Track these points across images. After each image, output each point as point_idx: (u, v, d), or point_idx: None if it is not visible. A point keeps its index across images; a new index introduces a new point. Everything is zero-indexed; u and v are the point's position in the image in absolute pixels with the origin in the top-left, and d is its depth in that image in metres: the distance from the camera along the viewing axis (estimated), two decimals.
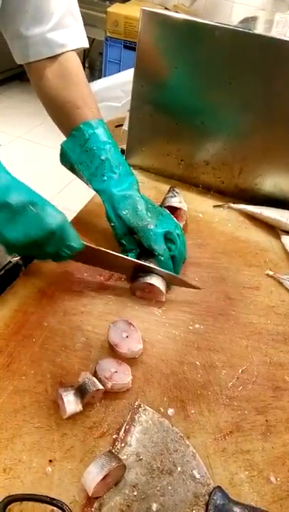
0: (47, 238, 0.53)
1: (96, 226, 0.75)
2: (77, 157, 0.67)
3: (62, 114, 0.68)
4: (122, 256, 0.63)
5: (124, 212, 0.65)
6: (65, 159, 0.70)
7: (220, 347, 0.59)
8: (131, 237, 0.66)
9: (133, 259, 0.64)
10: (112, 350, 0.55)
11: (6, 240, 0.51)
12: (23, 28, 0.64)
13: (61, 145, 0.69)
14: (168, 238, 0.66)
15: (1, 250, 0.74)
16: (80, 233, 0.73)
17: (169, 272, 0.64)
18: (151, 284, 0.62)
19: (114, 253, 0.62)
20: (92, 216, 0.77)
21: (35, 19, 0.64)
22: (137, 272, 0.63)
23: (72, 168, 0.70)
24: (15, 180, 0.51)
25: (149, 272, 0.63)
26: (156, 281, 0.62)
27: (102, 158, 0.66)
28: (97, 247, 0.61)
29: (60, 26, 0.65)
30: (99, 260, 0.63)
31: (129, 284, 0.65)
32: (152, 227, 0.64)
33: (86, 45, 0.70)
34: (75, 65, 0.69)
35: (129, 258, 0.64)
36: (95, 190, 0.68)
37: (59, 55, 0.67)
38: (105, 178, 0.66)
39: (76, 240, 0.58)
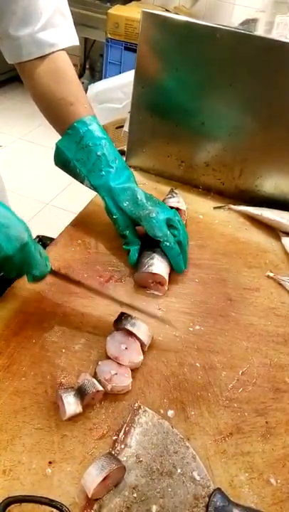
0: (5, 263, 0.48)
1: (96, 227, 0.75)
2: (73, 155, 0.68)
3: (56, 111, 0.69)
4: (86, 284, 0.60)
5: (125, 204, 0.66)
6: (60, 158, 0.70)
7: (220, 348, 0.59)
8: (133, 229, 0.67)
9: (93, 288, 0.60)
10: None
11: None
12: (11, 28, 0.64)
13: (56, 144, 0.69)
14: (170, 225, 0.67)
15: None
16: (81, 234, 0.74)
17: None
18: (154, 274, 0.63)
19: (79, 280, 0.60)
20: (93, 217, 0.77)
21: (24, 20, 0.64)
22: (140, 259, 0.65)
23: (66, 167, 0.70)
24: None
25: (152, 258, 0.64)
26: (158, 268, 0.63)
27: (99, 153, 0.67)
28: (62, 272, 0.58)
29: (49, 26, 0.65)
30: (68, 280, 0.60)
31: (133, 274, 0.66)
32: (154, 215, 0.65)
33: (76, 43, 0.70)
34: (65, 63, 0.69)
35: (90, 287, 0.60)
36: (93, 186, 0.68)
37: (49, 54, 0.67)
38: (103, 172, 0.67)
39: (40, 267, 0.52)
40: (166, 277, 0.64)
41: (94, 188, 0.69)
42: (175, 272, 0.68)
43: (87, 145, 0.67)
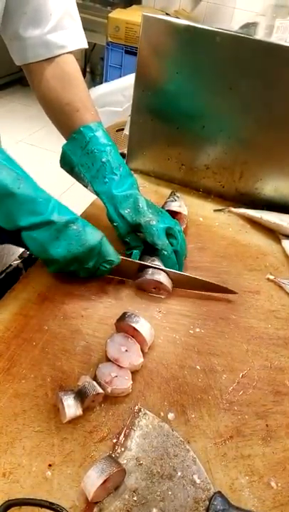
0: (87, 254, 0.58)
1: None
2: (78, 159, 0.68)
3: (62, 116, 0.69)
4: (154, 265, 0.65)
5: (126, 211, 0.66)
6: (66, 162, 0.70)
7: (220, 351, 0.59)
8: (134, 235, 0.68)
9: (161, 267, 0.65)
10: None
11: (50, 255, 0.56)
12: (21, 29, 0.65)
13: (62, 147, 0.70)
14: (169, 234, 0.67)
15: (1, 252, 0.75)
16: None
17: (205, 279, 0.66)
18: (157, 281, 0.63)
19: (147, 264, 0.65)
20: (93, 220, 0.76)
21: (34, 21, 0.64)
22: (142, 268, 0.65)
23: (72, 171, 0.71)
24: (57, 201, 0.55)
25: (155, 267, 0.65)
26: (159, 277, 0.64)
27: (103, 160, 0.67)
28: (132, 260, 0.65)
29: (59, 28, 0.66)
30: (130, 272, 0.65)
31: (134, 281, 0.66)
32: (154, 223, 0.66)
33: (85, 45, 0.70)
34: (73, 67, 0.69)
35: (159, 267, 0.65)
36: (96, 191, 0.69)
37: (57, 56, 0.67)
38: (107, 179, 0.67)
39: (114, 255, 0.61)
40: (170, 284, 0.64)
41: (97, 193, 0.69)
42: None
43: (92, 151, 0.67)
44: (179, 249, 0.68)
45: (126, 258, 0.64)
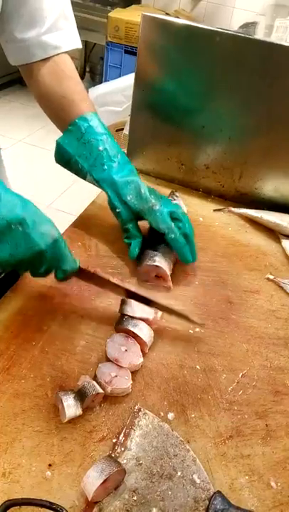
0: (36, 258, 0.50)
1: (96, 229, 0.75)
2: (75, 151, 0.68)
3: (59, 110, 0.69)
4: (116, 282, 0.60)
5: (128, 197, 0.66)
6: (62, 155, 0.70)
7: (220, 351, 0.59)
8: (136, 223, 0.68)
9: (124, 286, 0.60)
10: None
11: None
12: (17, 31, 0.65)
13: (57, 141, 0.69)
14: (174, 218, 0.67)
15: None
16: (81, 236, 0.74)
17: (174, 308, 0.60)
18: (157, 266, 0.64)
19: (108, 277, 0.59)
20: (93, 219, 0.77)
21: (30, 23, 0.65)
22: (143, 257, 0.65)
23: (68, 164, 0.70)
24: (4, 193, 0.47)
25: (154, 255, 0.65)
26: (161, 262, 0.65)
27: (100, 148, 0.67)
28: (91, 270, 0.58)
29: (54, 29, 0.66)
30: (93, 280, 0.60)
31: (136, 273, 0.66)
32: (158, 207, 0.65)
33: (79, 46, 0.71)
34: (68, 65, 0.70)
35: (121, 284, 0.60)
36: (96, 179, 0.68)
37: (53, 56, 0.68)
38: (105, 167, 0.67)
39: (70, 262, 0.55)
40: (168, 272, 0.65)
41: (97, 181, 0.68)
42: (177, 273, 0.67)
43: (89, 141, 0.67)
44: (188, 231, 0.67)
45: (87, 268, 0.57)
